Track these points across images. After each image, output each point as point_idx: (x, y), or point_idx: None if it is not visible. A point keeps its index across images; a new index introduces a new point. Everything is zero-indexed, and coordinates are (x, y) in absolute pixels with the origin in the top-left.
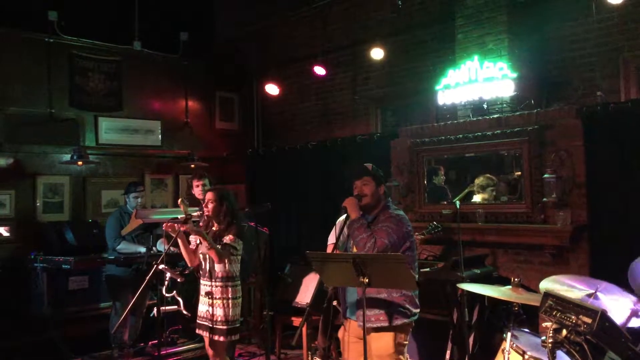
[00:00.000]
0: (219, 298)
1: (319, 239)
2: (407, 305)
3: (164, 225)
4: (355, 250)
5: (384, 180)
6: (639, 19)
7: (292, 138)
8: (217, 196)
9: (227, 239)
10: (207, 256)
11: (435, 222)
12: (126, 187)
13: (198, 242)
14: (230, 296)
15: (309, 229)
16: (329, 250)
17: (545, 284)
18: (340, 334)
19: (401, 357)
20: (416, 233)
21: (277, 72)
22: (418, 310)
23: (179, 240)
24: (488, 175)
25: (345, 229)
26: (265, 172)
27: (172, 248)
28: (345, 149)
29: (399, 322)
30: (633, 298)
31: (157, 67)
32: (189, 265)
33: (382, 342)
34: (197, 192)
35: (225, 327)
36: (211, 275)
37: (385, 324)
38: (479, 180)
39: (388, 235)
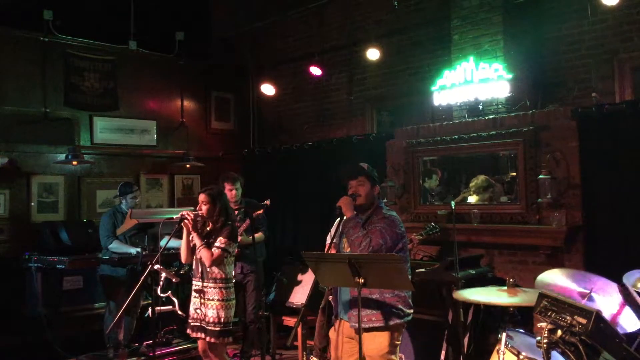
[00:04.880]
0: (211, 299)
1: (316, 238)
2: (400, 306)
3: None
4: (348, 249)
5: (379, 180)
6: (634, 20)
7: (288, 138)
8: (210, 198)
9: (220, 242)
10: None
11: (433, 224)
12: (120, 188)
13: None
14: (223, 298)
15: (306, 229)
16: (327, 249)
17: (542, 278)
18: (331, 334)
19: (393, 357)
20: (414, 234)
21: (273, 72)
22: (411, 310)
23: (185, 232)
24: (485, 176)
25: (340, 227)
26: (261, 172)
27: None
28: (341, 149)
29: (391, 322)
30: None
31: (152, 67)
32: (183, 261)
33: (375, 343)
34: (229, 195)
35: (217, 328)
36: (203, 276)
37: (378, 324)
38: (477, 181)
39: (382, 236)
